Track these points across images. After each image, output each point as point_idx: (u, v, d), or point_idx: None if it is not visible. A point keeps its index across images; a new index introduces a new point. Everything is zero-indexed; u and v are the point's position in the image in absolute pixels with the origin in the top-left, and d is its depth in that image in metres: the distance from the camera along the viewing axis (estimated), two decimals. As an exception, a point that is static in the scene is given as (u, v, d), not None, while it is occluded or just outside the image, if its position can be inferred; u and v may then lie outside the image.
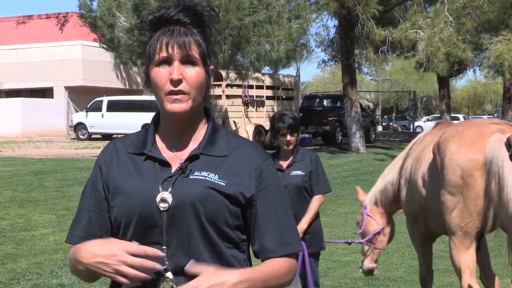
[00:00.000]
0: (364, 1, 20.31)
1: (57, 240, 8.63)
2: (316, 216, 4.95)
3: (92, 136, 33.13)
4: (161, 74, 1.84)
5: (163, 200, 1.81)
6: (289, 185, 4.73)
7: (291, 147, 4.84)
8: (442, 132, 4.56)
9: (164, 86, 1.83)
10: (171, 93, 1.82)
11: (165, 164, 1.87)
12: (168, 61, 1.84)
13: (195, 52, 1.85)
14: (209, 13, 1.90)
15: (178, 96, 1.82)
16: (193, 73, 1.84)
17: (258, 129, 27.11)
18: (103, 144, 28.53)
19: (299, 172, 4.82)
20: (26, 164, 18.78)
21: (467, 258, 4.23)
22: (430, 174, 4.51)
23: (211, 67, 1.92)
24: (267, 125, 27.91)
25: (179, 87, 1.82)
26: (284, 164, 4.86)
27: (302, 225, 4.77)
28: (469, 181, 4.12)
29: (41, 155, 22.88)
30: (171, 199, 1.81)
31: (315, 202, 4.87)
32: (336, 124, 30.09)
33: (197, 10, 1.88)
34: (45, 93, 40.25)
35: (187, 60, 1.84)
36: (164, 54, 1.83)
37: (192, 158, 1.87)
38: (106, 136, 32.33)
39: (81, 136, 33.05)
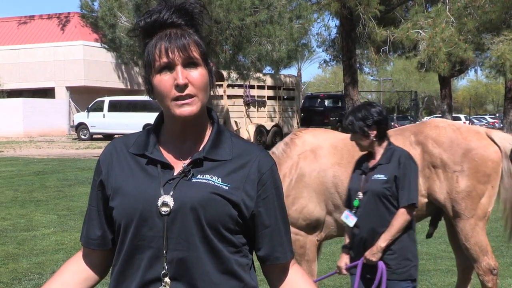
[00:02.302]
0: (365, 1, 20.30)
1: (58, 240, 8.64)
2: (402, 233, 4.02)
3: (93, 136, 33.18)
4: (164, 81, 1.80)
5: (165, 204, 1.79)
6: (368, 191, 4.01)
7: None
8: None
9: (169, 93, 1.79)
10: (179, 98, 1.79)
11: (168, 166, 1.85)
12: (170, 67, 1.80)
13: (196, 53, 1.81)
14: (199, 10, 1.86)
15: (187, 100, 1.79)
16: (197, 75, 1.80)
17: (259, 129, 27.11)
18: (104, 144, 28.54)
19: (381, 177, 4.00)
20: (28, 164, 18.80)
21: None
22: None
23: (211, 64, 1.90)
24: (268, 125, 27.95)
25: (186, 91, 1.79)
26: (371, 165, 4.10)
27: (380, 243, 3.97)
28: (498, 170, 4.86)
29: (43, 155, 22.91)
30: (173, 202, 1.79)
31: (397, 216, 3.96)
32: (337, 124, 30.09)
33: (187, 8, 1.84)
34: (47, 93, 40.32)
35: (189, 63, 1.80)
36: (164, 59, 1.79)
37: (196, 161, 1.85)
38: (107, 136, 32.37)
39: (83, 136, 33.10)
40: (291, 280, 1.94)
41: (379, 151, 4.07)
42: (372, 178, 4.01)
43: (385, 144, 4.09)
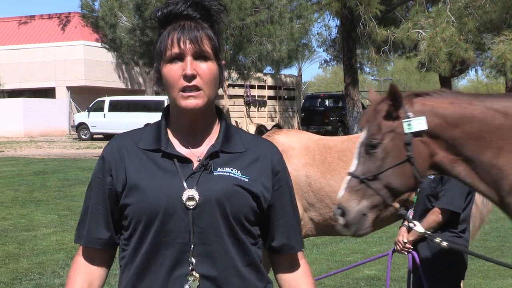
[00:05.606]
0: (366, 1, 20.28)
1: (59, 240, 8.64)
2: (439, 232, 3.93)
3: (94, 136, 33.16)
4: (174, 70, 1.81)
5: (190, 198, 1.79)
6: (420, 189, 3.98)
7: None
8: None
9: (177, 83, 1.80)
10: (185, 89, 1.80)
11: (185, 160, 1.84)
12: (180, 57, 1.81)
13: (207, 47, 1.82)
14: (217, 8, 1.87)
15: (192, 93, 1.80)
16: (206, 68, 1.81)
17: (260, 129, 27.12)
18: (105, 144, 28.52)
19: (431, 176, 3.84)
20: (28, 164, 18.79)
21: None
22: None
23: (223, 61, 1.90)
24: (268, 125, 27.95)
25: (193, 82, 1.80)
26: None
27: (409, 236, 4.07)
28: None
29: (43, 155, 22.90)
30: (198, 196, 1.79)
31: (429, 214, 3.97)
32: (338, 124, 30.11)
33: (205, 4, 1.85)
34: (47, 93, 40.29)
35: (199, 55, 1.81)
36: (176, 50, 1.80)
37: (212, 154, 1.85)
38: (108, 136, 32.35)
39: (83, 136, 33.09)
40: (296, 277, 1.95)
41: None
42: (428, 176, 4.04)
43: None
